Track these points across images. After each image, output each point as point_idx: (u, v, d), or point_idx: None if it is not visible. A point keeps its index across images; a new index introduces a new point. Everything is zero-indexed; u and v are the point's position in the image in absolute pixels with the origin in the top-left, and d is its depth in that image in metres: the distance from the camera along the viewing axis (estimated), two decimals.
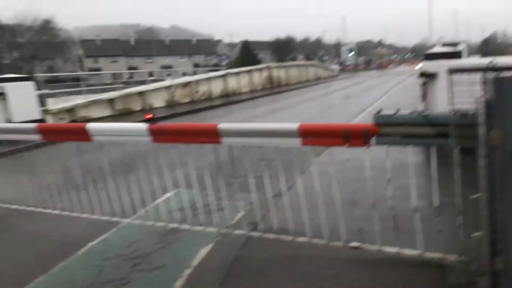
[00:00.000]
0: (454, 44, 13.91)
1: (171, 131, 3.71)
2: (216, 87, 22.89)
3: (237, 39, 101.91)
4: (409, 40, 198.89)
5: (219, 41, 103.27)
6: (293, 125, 3.26)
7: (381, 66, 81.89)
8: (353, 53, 74.85)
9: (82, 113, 14.39)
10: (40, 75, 20.42)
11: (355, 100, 18.83)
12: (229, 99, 21.82)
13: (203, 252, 3.89)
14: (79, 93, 16.87)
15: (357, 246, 3.30)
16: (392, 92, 20.98)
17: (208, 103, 19.67)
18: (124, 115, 16.07)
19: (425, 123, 2.89)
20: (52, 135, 4.28)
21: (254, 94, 24.26)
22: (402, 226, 3.22)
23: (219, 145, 3.59)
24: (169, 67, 68.44)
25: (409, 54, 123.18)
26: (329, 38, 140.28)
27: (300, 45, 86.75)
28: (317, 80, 39.27)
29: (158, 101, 18.29)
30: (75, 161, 4.29)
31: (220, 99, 21.65)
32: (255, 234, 3.74)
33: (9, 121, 11.17)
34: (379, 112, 3.02)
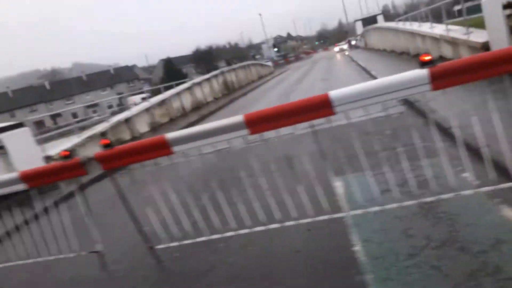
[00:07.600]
0: None
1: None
2: (187, 101, 22.65)
3: (154, 60, 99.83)
4: (312, 28, 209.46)
5: (132, 66, 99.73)
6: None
7: (307, 54, 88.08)
8: (276, 48, 77.92)
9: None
10: None
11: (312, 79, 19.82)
12: (200, 111, 21.63)
13: None
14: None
15: None
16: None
17: (186, 120, 19.20)
18: None
19: None
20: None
21: (219, 103, 24.30)
22: None
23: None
24: (94, 104, 64.94)
25: (317, 41, 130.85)
26: (246, 39, 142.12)
27: (221, 52, 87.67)
28: (262, 78, 40.33)
29: (143, 126, 17.75)
30: None
31: (193, 113, 21.41)
32: None
33: None
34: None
